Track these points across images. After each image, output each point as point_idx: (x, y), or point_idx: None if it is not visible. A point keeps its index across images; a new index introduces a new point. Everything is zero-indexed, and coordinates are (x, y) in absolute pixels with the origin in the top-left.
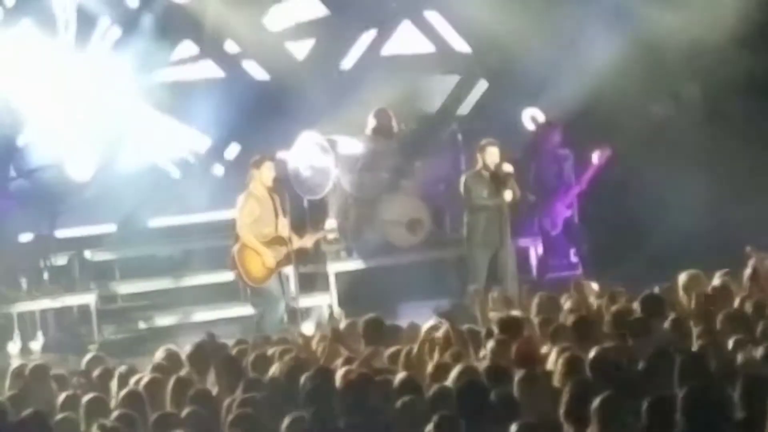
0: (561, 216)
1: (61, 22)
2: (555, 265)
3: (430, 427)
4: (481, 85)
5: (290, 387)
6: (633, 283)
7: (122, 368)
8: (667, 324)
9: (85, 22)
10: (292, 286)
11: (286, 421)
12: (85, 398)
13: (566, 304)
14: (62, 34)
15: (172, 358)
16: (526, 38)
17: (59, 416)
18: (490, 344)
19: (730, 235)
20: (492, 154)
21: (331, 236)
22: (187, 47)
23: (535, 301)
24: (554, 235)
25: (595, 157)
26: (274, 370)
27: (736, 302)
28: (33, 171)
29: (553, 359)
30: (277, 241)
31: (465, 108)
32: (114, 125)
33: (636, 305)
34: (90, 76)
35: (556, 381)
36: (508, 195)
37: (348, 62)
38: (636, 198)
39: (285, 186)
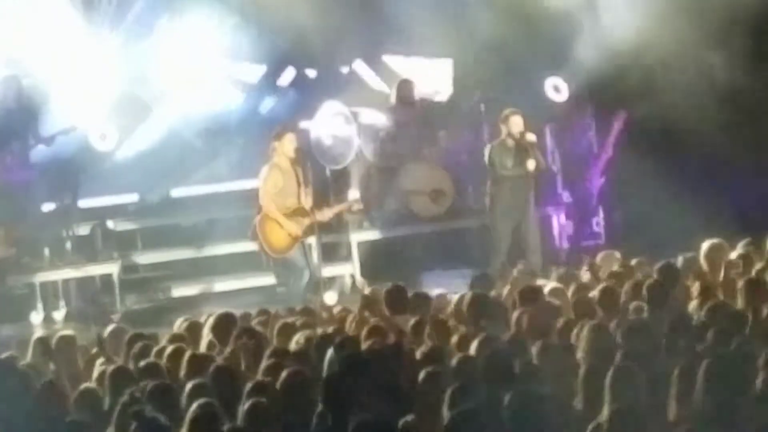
0: (595, 185)
1: None
2: (579, 235)
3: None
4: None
5: (316, 358)
6: (656, 252)
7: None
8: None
9: None
10: (315, 255)
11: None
12: (110, 369)
13: (585, 275)
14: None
15: (192, 328)
16: (549, 7)
17: (81, 387)
18: (515, 315)
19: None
20: (516, 124)
21: (355, 207)
22: None
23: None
24: (588, 203)
25: (615, 121)
26: (298, 338)
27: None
28: (53, 136)
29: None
30: (299, 212)
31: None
32: (136, 95)
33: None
34: (111, 45)
35: (580, 351)
36: (531, 164)
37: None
38: (657, 168)
39: (307, 156)
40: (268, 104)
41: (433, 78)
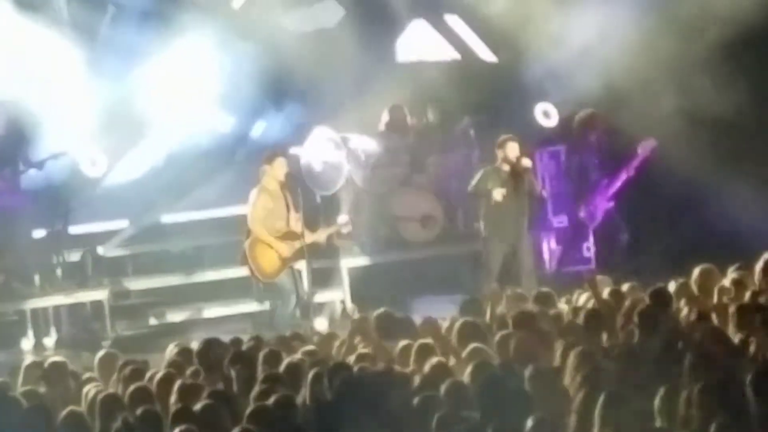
0: (601, 208)
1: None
2: (569, 259)
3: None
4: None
5: (306, 383)
6: (647, 277)
7: (134, 365)
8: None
9: (95, 10)
10: (305, 281)
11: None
12: (101, 395)
13: (579, 299)
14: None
15: (184, 354)
16: (539, 32)
17: (65, 411)
18: (497, 339)
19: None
20: (512, 149)
21: (344, 230)
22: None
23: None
24: (591, 227)
25: (641, 148)
26: (287, 364)
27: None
28: (43, 161)
29: (558, 354)
30: (289, 235)
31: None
32: (127, 120)
33: (646, 299)
34: (102, 70)
35: (567, 376)
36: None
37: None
38: (655, 192)
39: (298, 181)
40: (258, 129)
41: None
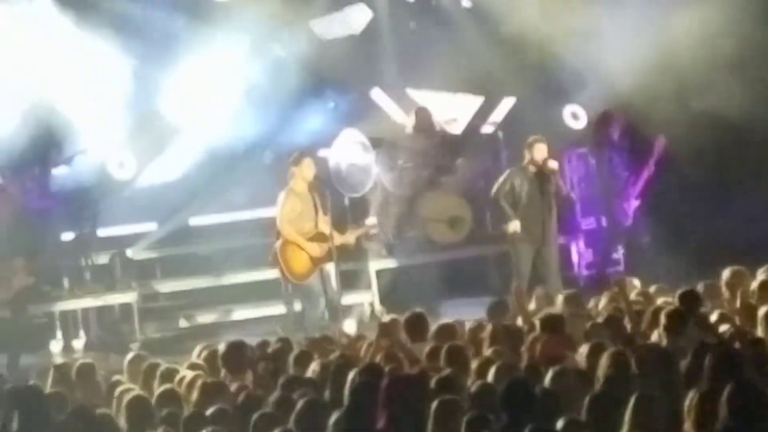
0: (632, 206)
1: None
2: (597, 262)
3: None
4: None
5: (334, 385)
6: (674, 279)
7: (162, 367)
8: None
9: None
10: (334, 283)
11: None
12: (129, 397)
13: (602, 301)
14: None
15: (211, 356)
16: (567, 32)
17: (98, 412)
18: (527, 341)
19: None
20: (540, 151)
21: (373, 231)
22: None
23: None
24: (624, 225)
25: (656, 146)
26: (314, 367)
27: None
28: (70, 158)
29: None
30: (318, 237)
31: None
32: (156, 123)
33: (675, 301)
34: (132, 72)
35: (596, 377)
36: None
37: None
38: (680, 195)
39: (326, 184)
40: (287, 132)
41: (452, 109)
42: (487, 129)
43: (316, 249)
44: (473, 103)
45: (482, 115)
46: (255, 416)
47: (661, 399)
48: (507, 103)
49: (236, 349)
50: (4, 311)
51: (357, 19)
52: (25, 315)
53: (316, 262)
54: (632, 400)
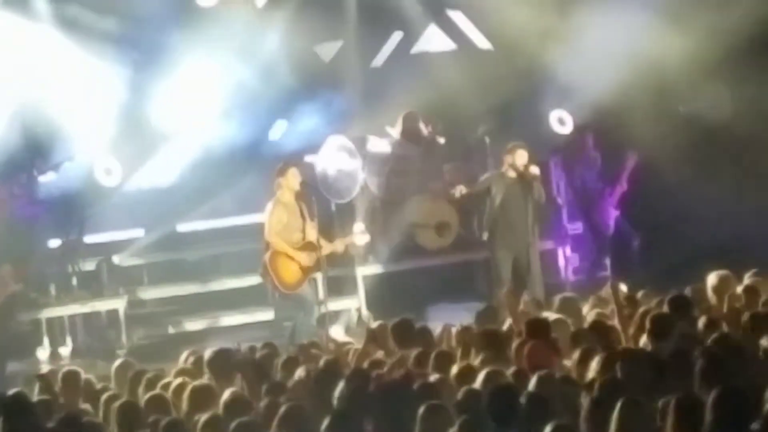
0: (611, 216)
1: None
2: (582, 268)
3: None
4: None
5: (321, 391)
6: (659, 285)
7: (150, 373)
8: (700, 324)
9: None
10: (321, 289)
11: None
12: (116, 403)
13: (586, 307)
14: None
15: (197, 362)
16: (552, 39)
17: (86, 419)
18: (513, 346)
19: (756, 236)
20: (521, 156)
21: (363, 241)
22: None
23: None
24: (607, 235)
25: (629, 160)
26: (300, 373)
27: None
28: (57, 164)
29: (574, 361)
30: (307, 246)
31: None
32: (143, 129)
33: (664, 306)
34: (118, 78)
35: (583, 382)
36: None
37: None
38: (661, 200)
39: (312, 190)
40: (273, 137)
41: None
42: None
43: (307, 258)
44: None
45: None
46: (240, 422)
47: (646, 404)
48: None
49: (222, 355)
50: None
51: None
52: (14, 322)
53: (307, 272)
54: (618, 405)
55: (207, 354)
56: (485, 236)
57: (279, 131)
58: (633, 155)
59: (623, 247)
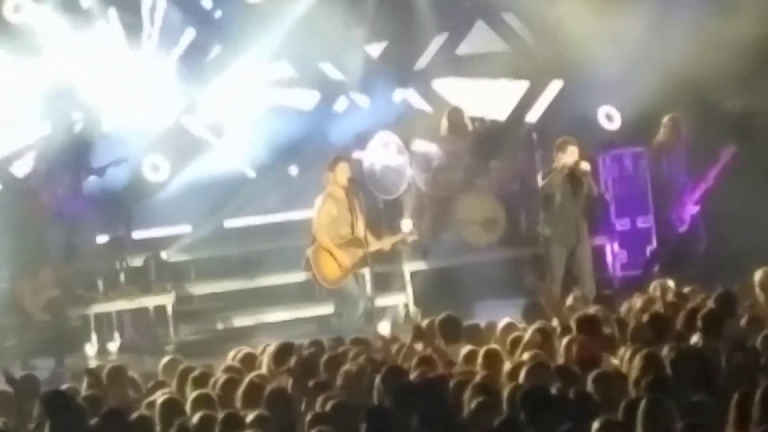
0: (689, 212)
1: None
2: (631, 263)
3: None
4: (555, 84)
5: (367, 387)
6: (706, 282)
7: (197, 370)
8: (743, 321)
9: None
10: (368, 285)
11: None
12: (161, 399)
13: (638, 302)
14: (145, 39)
15: (246, 359)
16: (601, 36)
17: (135, 415)
18: (563, 343)
19: None
20: (571, 153)
21: (410, 239)
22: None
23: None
24: (677, 230)
25: (723, 155)
26: (347, 368)
27: None
28: (104, 167)
29: (626, 358)
30: (354, 242)
31: (539, 108)
32: (189, 124)
33: (711, 303)
34: (163, 76)
35: (632, 378)
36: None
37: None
38: (709, 197)
39: (360, 186)
40: (322, 132)
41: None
42: (531, 117)
43: (348, 258)
44: (517, 89)
45: (526, 103)
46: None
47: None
48: (553, 88)
49: (285, 349)
50: (44, 315)
51: None
52: (65, 319)
53: (348, 270)
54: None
55: (270, 348)
56: (546, 232)
57: (328, 128)
58: (729, 149)
59: (688, 247)
